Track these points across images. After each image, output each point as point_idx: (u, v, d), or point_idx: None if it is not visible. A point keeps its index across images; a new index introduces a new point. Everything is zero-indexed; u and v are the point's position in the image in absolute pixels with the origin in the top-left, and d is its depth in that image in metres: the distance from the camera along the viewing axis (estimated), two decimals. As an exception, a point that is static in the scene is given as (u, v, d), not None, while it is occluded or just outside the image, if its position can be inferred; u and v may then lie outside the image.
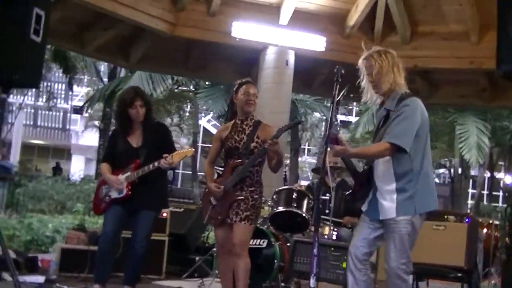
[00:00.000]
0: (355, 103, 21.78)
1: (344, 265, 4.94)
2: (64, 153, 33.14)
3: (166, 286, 5.69)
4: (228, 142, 4.51)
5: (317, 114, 21.82)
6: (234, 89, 4.59)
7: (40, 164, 29.73)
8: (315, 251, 3.08)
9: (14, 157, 29.97)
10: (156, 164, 4.46)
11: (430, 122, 3.82)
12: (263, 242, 5.34)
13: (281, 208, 5.44)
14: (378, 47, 3.79)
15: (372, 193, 3.71)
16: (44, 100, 24.78)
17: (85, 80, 23.76)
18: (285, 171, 7.00)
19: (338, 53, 8.25)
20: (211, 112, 18.75)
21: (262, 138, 4.41)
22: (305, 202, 5.47)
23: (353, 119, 26.55)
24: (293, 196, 5.44)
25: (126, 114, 4.64)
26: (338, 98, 3.56)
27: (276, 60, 8.08)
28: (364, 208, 3.76)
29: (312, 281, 3.07)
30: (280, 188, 5.61)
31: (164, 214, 6.06)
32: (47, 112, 32.61)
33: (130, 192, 4.56)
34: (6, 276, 4.84)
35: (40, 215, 9.28)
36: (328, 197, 5.47)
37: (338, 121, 3.45)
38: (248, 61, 8.91)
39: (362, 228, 3.72)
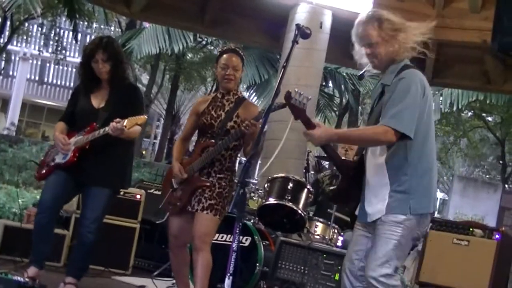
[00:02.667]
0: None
1: (337, 277, 5.03)
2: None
3: (126, 283, 5.90)
4: (203, 118, 4.66)
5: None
6: (216, 57, 4.77)
7: (49, 130, 30.15)
8: (234, 245, 3.18)
9: (12, 116, 31.02)
10: (106, 129, 4.61)
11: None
12: (246, 240, 5.47)
13: (272, 200, 5.54)
14: (376, 11, 3.74)
15: (363, 192, 3.72)
16: (51, 50, 25.32)
17: (94, 27, 24.21)
18: (307, 160, 7.10)
19: (388, 19, 8.24)
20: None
21: (242, 118, 4.54)
22: (303, 195, 5.55)
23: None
24: (289, 187, 5.52)
25: (89, 68, 4.83)
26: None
27: (308, 21, 8.09)
28: (357, 212, 3.79)
29: (227, 282, 3.17)
30: (274, 176, 5.70)
31: (138, 196, 6.29)
32: (56, 66, 33.52)
33: (75, 159, 4.72)
34: None
35: (11, 187, 9.60)
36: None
37: (305, 95, 3.48)
38: (276, 19, 9.00)
39: (357, 238, 3.75)
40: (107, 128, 4.60)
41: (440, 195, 32.58)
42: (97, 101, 4.88)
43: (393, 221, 3.51)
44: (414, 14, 8.31)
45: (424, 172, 3.59)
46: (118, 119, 4.56)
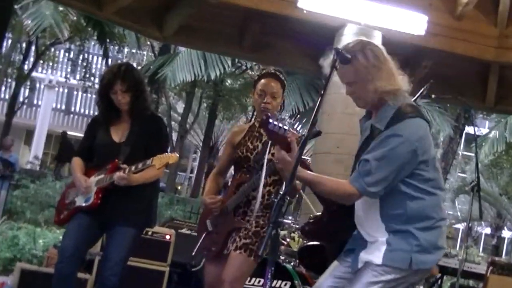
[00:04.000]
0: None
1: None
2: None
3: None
4: (238, 150, 4.70)
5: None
6: (254, 82, 4.80)
7: None
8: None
9: (36, 149, 31.60)
10: (114, 177, 4.69)
11: None
12: (285, 285, 5.51)
13: (315, 241, 5.56)
14: (359, 40, 3.66)
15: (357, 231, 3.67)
16: (79, 77, 25.85)
17: (125, 52, 24.68)
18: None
19: (444, 39, 8.29)
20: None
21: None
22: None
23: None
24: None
25: (108, 99, 4.91)
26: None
27: (356, 44, 8.19)
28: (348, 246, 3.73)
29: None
30: (317, 214, 5.72)
31: (167, 236, 6.38)
32: (84, 95, 34.15)
33: (99, 201, 4.81)
34: None
35: (32, 227, 9.79)
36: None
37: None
38: (320, 42, 9.07)
39: (334, 265, 3.74)
40: (114, 177, 4.69)
41: (507, 234, 32.09)
42: (118, 135, 4.94)
43: (389, 269, 3.45)
44: (473, 35, 8.36)
45: (427, 221, 3.50)
46: (124, 166, 4.67)
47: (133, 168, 4.67)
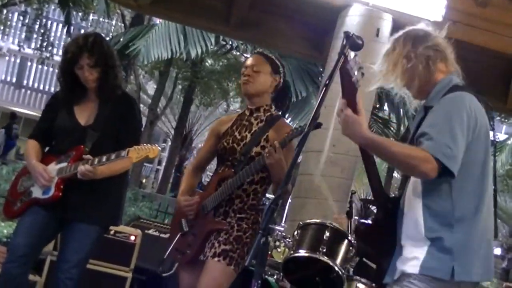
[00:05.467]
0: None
1: None
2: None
3: None
4: (224, 140, 4.72)
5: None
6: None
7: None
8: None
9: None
10: (78, 169, 4.64)
11: None
12: (266, 301, 5.52)
13: (302, 252, 5.58)
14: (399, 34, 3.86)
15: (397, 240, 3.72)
16: (34, 46, 25.62)
17: (90, 20, 24.49)
18: (350, 202, 7.15)
19: (464, 28, 8.25)
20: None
21: (272, 142, 4.47)
22: (343, 247, 5.57)
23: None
24: (325, 237, 5.55)
25: (72, 74, 4.86)
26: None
27: (362, 27, 8.17)
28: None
29: None
30: (307, 222, 5.74)
31: (132, 237, 6.37)
32: (39, 67, 33.95)
33: (60, 194, 4.77)
34: None
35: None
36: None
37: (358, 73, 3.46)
38: (320, 23, 9.10)
39: None
40: (78, 170, 4.64)
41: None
42: (84, 117, 4.90)
43: (428, 278, 3.50)
44: (498, 25, 8.38)
45: (477, 225, 3.58)
46: (88, 156, 4.64)
47: (103, 159, 4.62)
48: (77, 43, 4.83)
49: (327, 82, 3.51)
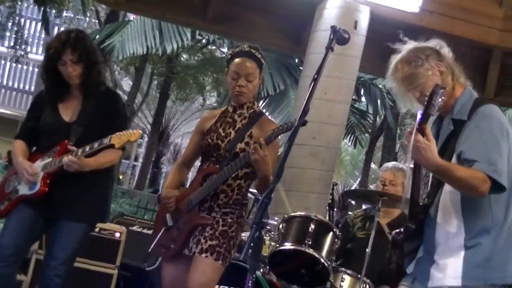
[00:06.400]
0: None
1: None
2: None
3: None
4: (208, 137, 4.72)
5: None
6: (226, 62, 4.81)
7: (2, 146, 30.09)
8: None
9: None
10: (63, 160, 4.65)
11: None
12: (253, 295, 5.52)
13: (287, 245, 5.60)
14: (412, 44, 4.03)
15: (423, 248, 3.83)
16: (8, 44, 25.48)
17: (64, 17, 24.35)
18: (331, 194, 7.17)
19: (441, 18, 8.29)
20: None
21: (256, 138, 4.53)
22: (328, 240, 5.60)
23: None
24: (310, 229, 5.57)
25: (55, 71, 4.87)
26: None
27: (340, 19, 8.18)
28: (409, 269, 3.87)
29: None
30: (292, 215, 5.76)
31: (117, 234, 6.36)
32: (13, 65, 33.73)
33: (46, 188, 4.77)
34: None
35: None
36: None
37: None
38: (297, 16, 9.10)
39: None
40: (63, 161, 4.65)
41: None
42: (68, 113, 4.92)
43: None
44: (474, 15, 8.41)
45: (505, 230, 3.69)
46: (72, 147, 4.65)
47: (87, 148, 4.64)
48: (60, 39, 4.83)
49: (315, 76, 3.53)
